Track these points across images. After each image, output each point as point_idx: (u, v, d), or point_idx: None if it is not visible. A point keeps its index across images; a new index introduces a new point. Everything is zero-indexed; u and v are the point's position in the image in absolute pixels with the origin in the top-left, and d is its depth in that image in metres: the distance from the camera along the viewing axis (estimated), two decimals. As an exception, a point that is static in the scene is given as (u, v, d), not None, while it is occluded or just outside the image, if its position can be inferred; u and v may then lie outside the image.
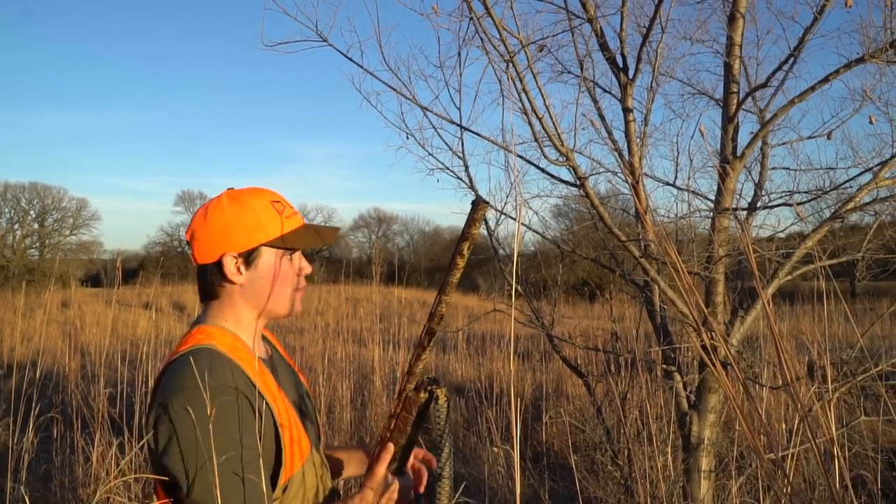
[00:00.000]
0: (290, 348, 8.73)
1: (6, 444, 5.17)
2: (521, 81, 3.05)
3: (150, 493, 1.48)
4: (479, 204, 1.43)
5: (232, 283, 1.63)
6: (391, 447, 1.65)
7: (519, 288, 3.98)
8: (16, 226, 38.89)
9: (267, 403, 1.53)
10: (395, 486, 1.65)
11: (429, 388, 1.61)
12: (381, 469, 1.63)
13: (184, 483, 1.42)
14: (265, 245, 1.62)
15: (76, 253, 39.16)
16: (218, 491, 1.41)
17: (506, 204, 4.01)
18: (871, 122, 2.94)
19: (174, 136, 76.77)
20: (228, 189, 1.68)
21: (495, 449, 5.60)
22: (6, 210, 38.49)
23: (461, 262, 1.48)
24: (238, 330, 1.64)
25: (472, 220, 1.45)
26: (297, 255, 1.69)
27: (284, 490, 1.54)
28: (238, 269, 1.63)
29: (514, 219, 3.34)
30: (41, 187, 39.63)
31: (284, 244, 1.63)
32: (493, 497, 4.82)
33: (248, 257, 1.62)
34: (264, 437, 1.50)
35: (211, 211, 1.64)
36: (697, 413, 3.66)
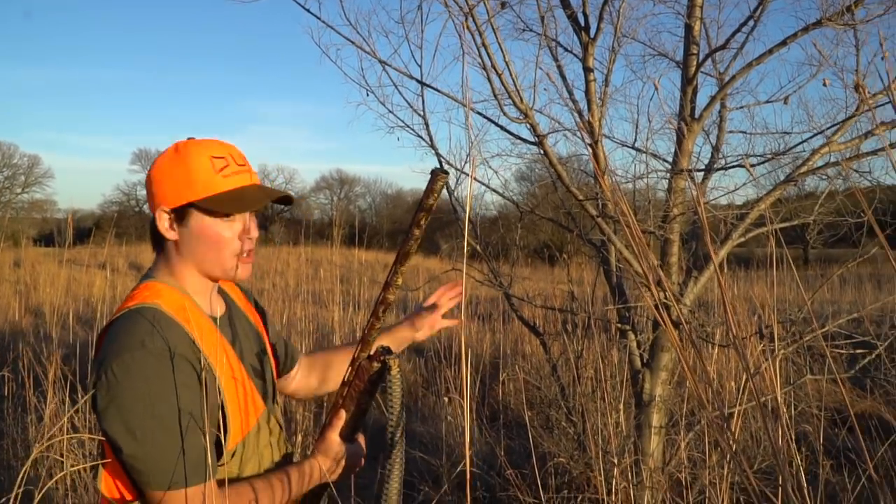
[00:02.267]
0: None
1: (-44, 402, 5.10)
2: (480, 36, 3.03)
3: (103, 453, 1.45)
4: (437, 174, 1.40)
5: (167, 238, 1.58)
6: (343, 414, 1.65)
7: (476, 245, 3.99)
8: (-34, 183, 37.88)
9: (211, 368, 1.50)
10: (346, 451, 1.65)
11: (382, 357, 1.61)
12: (333, 435, 1.64)
13: (122, 447, 1.40)
14: (194, 204, 1.52)
15: (28, 211, 38.30)
16: (156, 455, 1.39)
17: (466, 163, 4.00)
18: (824, 85, 2.98)
19: (131, 94, 75.09)
20: (184, 139, 1.60)
21: (445, 398, 5.67)
22: (-44, 167, 37.44)
23: (418, 233, 1.46)
24: (185, 287, 1.59)
25: (430, 191, 1.41)
26: (244, 216, 1.57)
27: (233, 455, 1.52)
28: (170, 226, 1.56)
29: (475, 178, 3.34)
30: (-9, 143, 38.56)
31: (210, 205, 1.52)
32: (451, 454, 4.89)
33: (180, 214, 1.54)
34: (208, 402, 1.47)
35: (156, 162, 1.58)
36: (650, 371, 3.74)
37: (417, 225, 1.45)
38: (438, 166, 1.42)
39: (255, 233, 1.59)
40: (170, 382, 1.41)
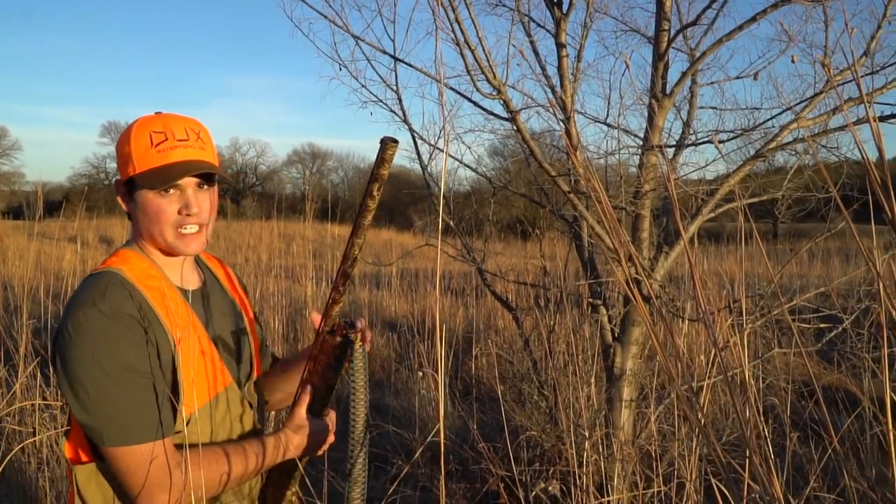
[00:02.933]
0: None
1: (-76, 377, 5.03)
2: (453, 11, 3.01)
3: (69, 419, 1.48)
4: (387, 143, 1.39)
5: (125, 210, 1.63)
6: (309, 389, 1.66)
7: (450, 222, 4.00)
8: (-70, 155, 37.05)
9: (167, 334, 1.52)
10: (313, 427, 1.66)
11: (343, 331, 1.61)
12: (301, 411, 1.65)
13: (74, 402, 1.44)
14: (133, 179, 1.55)
15: (-5, 184, 37.61)
16: (107, 410, 1.43)
17: (439, 138, 3.99)
18: (792, 62, 3.01)
19: (101, 66, 73.70)
20: (145, 115, 1.62)
21: (420, 373, 5.70)
22: (-81, 138, 36.60)
23: (372, 204, 1.45)
24: (152, 256, 1.62)
25: (381, 160, 1.39)
26: (185, 190, 1.57)
27: (188, 423, 1.53)
28: (123, 198, 1.62)
29: (445, 151, 3.34)
30: (-44, 115, 37.71)
31: (140, 180, 1.54)
32: (423, 427, 4.93)
33: (128, 188, 1.59)
34: (162, 366, 1.50)
35: (120, 137, 1.62)
36: (621, 345, 3.78)
37: (371, 196, 1.44)
38: (388, 135, 1.40)
39: (195, 208, 1.57)
40: (118, 340, 1.45)
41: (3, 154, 39.28)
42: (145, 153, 1.54)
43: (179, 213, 1.57)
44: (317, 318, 1.69)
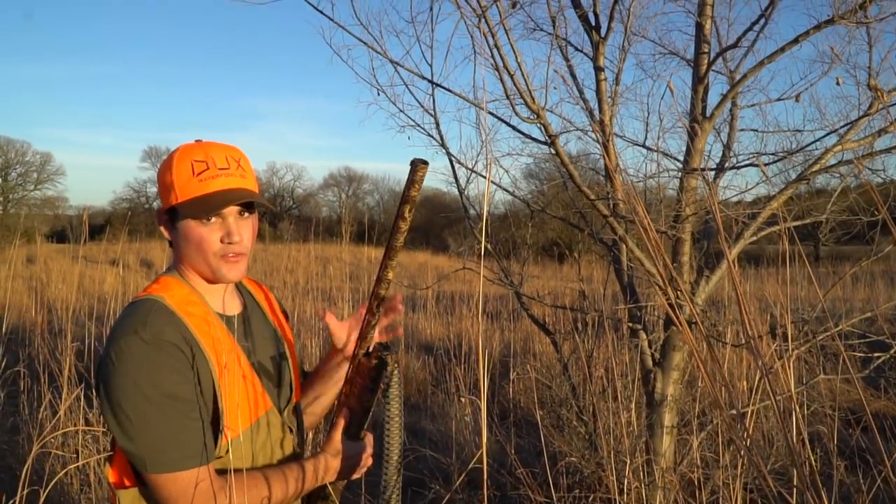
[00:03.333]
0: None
1: (-28, 399, 5.13)
2: (493, 37, 3.03)
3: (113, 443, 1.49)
4: (417, 165, 1.40)
5: (167, 238, 1.65)
6: (346, 412, 1.66)
7: (488, 246, 3.99)
8: (-21, 180, 38.11)
9: (207, 361, 1.52)
10: (350, 450, 1.67)
11: (379, 354, 1.61)
12: (337, 434, 1.66)
13: (117, 430, 1.45)
14: (176, 208, 1.57)
15: (41, 208, 38.52)
16: (149, 437, 1.44)
17: (476, 162, 4.00)
18: (837, 84, 2.97)
19: (142, 91, 75.38)
20: (189, 142, 1.64)
21: (462, 400, 5.67)
22: (-33, 164, 37.67)
23: (404, 226, 1.46)
24: (193, 283, 1.63)
25: (411, 182, 1.40)
26: (230, 218, 1.58)
27: (227, 451, 1.54)
28: (165, 227, 1.64)
29: (485, 177, 3.34)
30: (3, 141, 38.89)
31: (184, 210, 1.55)
32: (461, 452, 4.89)
33: (171, 217, 1.61)
34: (204, 393, 1.51)
35: (161, 165, 1.64)
36: (661, 370, 3.73)
37: (402, 218, 1.45)
38: (419, 158, 1.41)
39: (237, 237, 1.59)
40: (160, 367, 1.45)
41: (48, 179, 40.20)
42: (187, 182, 1.55)
43: (222, 241, 1.58)
44: (328, 316, 1.71)
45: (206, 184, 1.55)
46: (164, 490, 1.45)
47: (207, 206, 1.54)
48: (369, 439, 1.73)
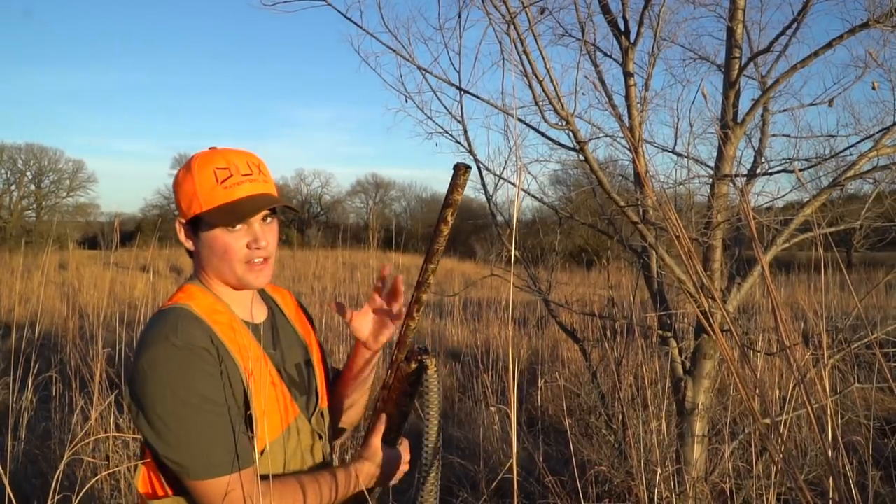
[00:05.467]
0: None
1: (6, 403, 5.20)
2: (521, 43, 3.02)
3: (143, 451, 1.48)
4: (460, 168, 1.40)
5: (187, 248, 1.63)
6: (384, 418, 1.65)
7: (516, 253, 3.98)
8: (13, 187, 38.81)
9: (238, 367, 1.51)
10: (388, 456, 1.66)
11: (419, 357, 1.60)
12: (376, 440, 1.64)
13: (154, 442, 1.44)
14: (199, 216, 1.55)
15: (73, 215, 39.09)
16: (190, 443, 1.42)
17: (504, 168, 3.99)
18: (873, 88, 2.92)
19: (171, 99, 76.37)
20: (202, 150, 1.63)
21: (492, 409, 5.65)
22: (3, 171, 38.41)
23: (445, 230, 1.45)
24: (216, 291, 1.62)
25: (454, 186, 1.41)
26: (252, 225, 1.57)
27: (262, 455, 1.53)
28: (186, 236, 1.61)
29: (513, 184, 3.33)
30: (38, 148, 39.46)
31: (209, 218, 1.54)
32: (488, 459, 4.87)
33: (193, 226, 1.59)
34: (236, 398, 1.50)
35: (178, 174, 1.62)
36: (692, 379, 3.69)
37: (444, 222, 1.44)
38: (461, 161, 1.41)
39: (264, 241, 1.58)
40: (194, 371, 1.45)
41: (81, 186, 40.76)
42: (211, 190, 1.54)
43: (248, 247, 1.57)
44: (341, 307, 1.69)
45: (232, 191, 1.54)
46: (207, 496, 1.44)
47: (237, 214, 1.53)
48: (405, 445, 1.73)
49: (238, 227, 1.55)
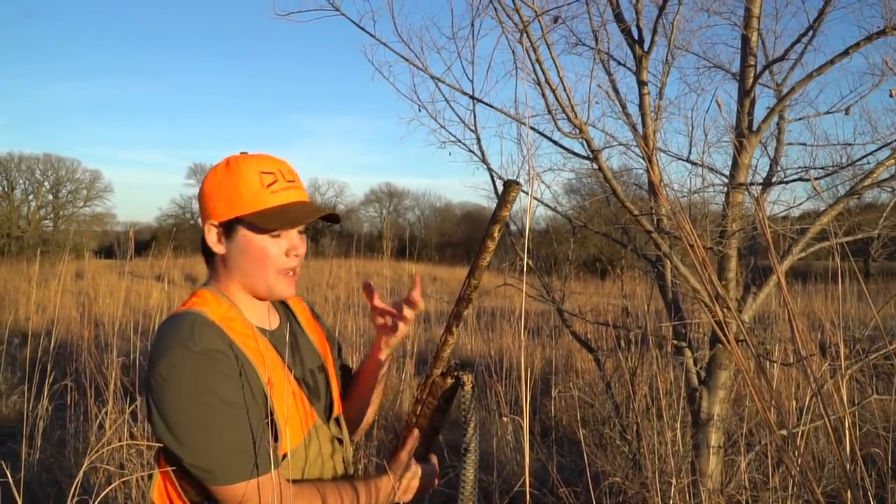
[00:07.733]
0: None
1: (21, 412, 5.24)
2: (534, 52, 3.02)
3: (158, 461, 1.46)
4: (510, 185, 1.39)
5: (215, 252, 1.59)
6: (416, 433, 1.63)
7: (530, 263, 3.96)
8: (30, 197, 39.21)
9: (256, 372, 1.49)
10: (418, 471, 1.64)
11: (455, 373, 1.58)
12: (405, 455, 1.63)
13: (177, 449, 1.41)
14: (242, 219, 1.52)
15: (90, 224, 39.46)
16: (215, 447, 1.40)
17: (518, 177, 3.98)
18: (891, 96, 2.89)
19: (185, 109, 76.94)
20: (236, 154, 1.60)
21: (504, 418, 5.62)
22: (21, 181, 38.78)
23: (492, 245, 1.44)
24: (233, 298, 1.59)
25: (503, 202, 1.40)
26: (291, 233, 1.55)
27: (284, 462, 1.51)
28: (218, 240, 1.57)
29: (527, 192, 3.32)
30: (55, 159, 39.87)
31: (256, 221, 1.51)
32: (502, 469, 4.84)
33: (228, 229, 1.55)
34: (257, 401, 1.47)
35: (208, 176, 1.59)
36: (707, 389, 3.65)
37: (491, 237, 1.43)
38: (511, 178, 1.41)
39: (302, 250, 1.57)
40: (214, 375, 1.42)
41: (97, 196, 41.10)
42: (257, 193, 1.51)
43: (287, 255, 1.55)
44: (369, 290, 1.70)
45: (278, 196, 1.52)
46: (234, 500, 1.42)
47: (287, 219, 1.51)
48: (434, 460, 1.71)
49: (279, 233, 1.54)
